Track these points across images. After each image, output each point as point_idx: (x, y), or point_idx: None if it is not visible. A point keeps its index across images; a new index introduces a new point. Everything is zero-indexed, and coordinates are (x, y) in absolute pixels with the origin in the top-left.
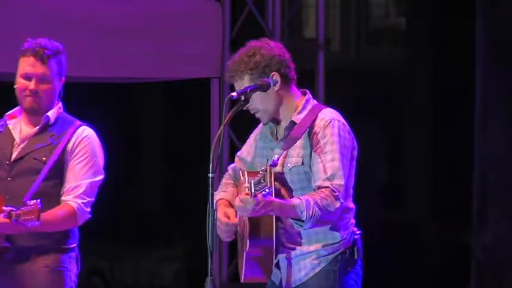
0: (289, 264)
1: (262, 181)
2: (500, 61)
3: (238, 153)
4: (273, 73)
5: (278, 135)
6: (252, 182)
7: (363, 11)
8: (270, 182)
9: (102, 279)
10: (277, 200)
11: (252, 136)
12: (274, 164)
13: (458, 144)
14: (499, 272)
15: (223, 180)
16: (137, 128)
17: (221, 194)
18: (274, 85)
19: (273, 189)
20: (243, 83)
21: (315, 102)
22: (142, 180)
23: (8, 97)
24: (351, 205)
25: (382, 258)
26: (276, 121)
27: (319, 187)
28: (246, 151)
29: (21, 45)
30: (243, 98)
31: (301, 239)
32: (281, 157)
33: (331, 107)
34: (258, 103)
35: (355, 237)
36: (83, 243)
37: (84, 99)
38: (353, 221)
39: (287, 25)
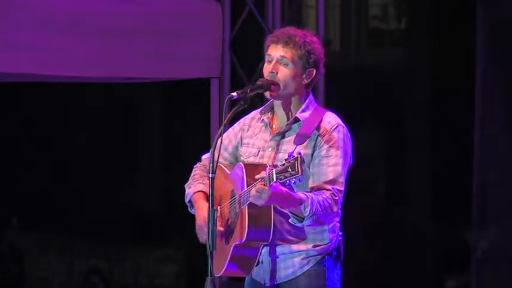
0: (275, 261)
1: (289, 169)
2: (500, 61)
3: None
4: (313, 69)
5: (275, 128)
6: (274, 171)
7: (363, 11)
8: (301, 170)
9: (101, 278)
10: (288, 192)
11: (237, 126)
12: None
13: (458, 144)
14: (499, 271)
15: (197, 171)
16: (137, 128)
17: (199, 185)
18: (306, 78)
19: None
20: (286, 52)
21: (316, 104)
22: (142, 180)
23: (7, 97)
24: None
25: (382, 258)
26: (273, 112)
27: (320, 188)
28: (228, 140)
29: (21, 45)
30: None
31: (291, 237)
32: (273, 153)
33: (332, 110)
34: (284, 75)
35: (339, 238)
36: (83, 243)
37: (83, 99)
38: (338, 224)
39: (287, 25)
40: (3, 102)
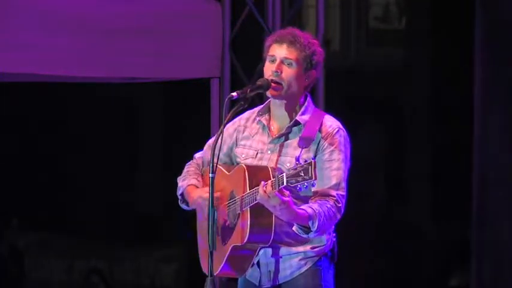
0: (276, 262)
1: (302, 174)
2: (500, 61)
3: (209, 142)
4: (314, 71)
5: (274, 130)
6: (284, 175)
7: (363, 11)
8: (315, 175)
9: (101, 278)
10: (296, 210)
11: (231, 126)
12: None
13: (458, 144)
14: (499, 271)
15: (191, 168)
16: (137, 128)
17: (193, 180)
18: (307, 79)
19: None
20: (291, 52)
21: (314, 106)
22: (142, 180)
23: (7, 97)
24: None
25: (382, 257)
26: (270, 113)
27: (324, 194)
28: (222, 141)
29: (21, 45)
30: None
31: (290, 239)
32: (273, 156)
33: (331, 111)
34: (289, 75)
35: (333, 240)
36: (83, 243)
37: (83, 99)
38: (333, 226)
39: (287, 25)
40: (3, 102)
